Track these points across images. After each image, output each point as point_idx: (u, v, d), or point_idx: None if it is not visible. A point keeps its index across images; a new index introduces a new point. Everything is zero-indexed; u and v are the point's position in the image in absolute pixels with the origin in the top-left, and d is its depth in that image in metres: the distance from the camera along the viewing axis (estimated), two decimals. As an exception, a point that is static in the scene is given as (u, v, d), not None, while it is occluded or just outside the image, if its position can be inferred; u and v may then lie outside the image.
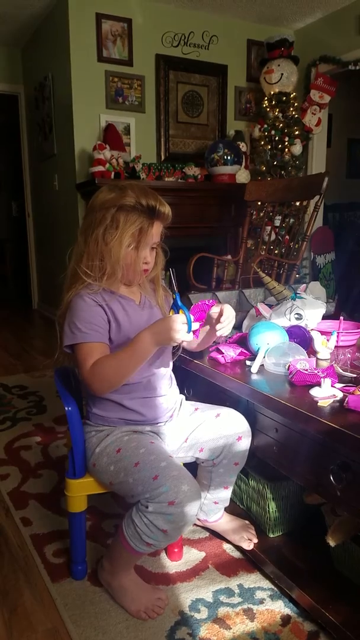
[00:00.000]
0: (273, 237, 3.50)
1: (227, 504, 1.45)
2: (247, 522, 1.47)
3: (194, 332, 1.18)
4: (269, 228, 3.50)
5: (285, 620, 1.21)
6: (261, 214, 3.45)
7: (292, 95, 3.82)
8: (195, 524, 1.51)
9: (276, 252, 3.33)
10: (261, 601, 1.27)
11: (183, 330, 1.09)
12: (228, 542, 1.47)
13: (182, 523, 1.10)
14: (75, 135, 3.68)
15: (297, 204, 3.00)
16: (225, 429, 1.31)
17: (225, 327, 1.24)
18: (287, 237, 3.24)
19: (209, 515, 1.45)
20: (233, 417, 1.32)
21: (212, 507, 1.43)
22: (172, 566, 1.40)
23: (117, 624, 1.20)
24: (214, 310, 1.25)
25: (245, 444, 1.31)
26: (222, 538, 1.49)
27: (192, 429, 1.34)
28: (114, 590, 1.26)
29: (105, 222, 1.20)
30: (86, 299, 1.22)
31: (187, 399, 1.46)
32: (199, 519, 1.47)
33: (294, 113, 3.81)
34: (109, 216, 1.20)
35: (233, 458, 1.33)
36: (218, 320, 1.23)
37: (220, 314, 1.23)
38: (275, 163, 3.77)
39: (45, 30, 4.03)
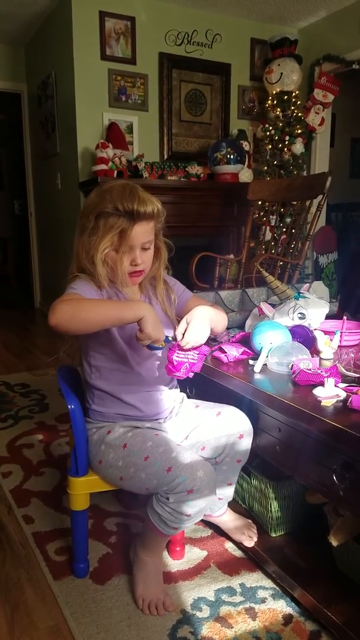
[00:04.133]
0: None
1: (230, 499, 1.46)
2: (250, 521, 1.47)
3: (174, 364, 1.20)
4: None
5: (287, 619, 1.21)
6: (262, 214, 3.45)
7: (294, 94, 3.81)
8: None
9: (276, 251, 3.32)
10: (263, 600, 1.27)
11: (158, 338, 1.13)
12: (230, 540, 1.47)
13: (204, 505, 1.16)
14: (78, 134, 3.67)
15: (300, 203, 2.99)
16: (226, 427, 1.31)
17: (188, 337, 1.20)
18: (288, 236, 3.23)
19: (213, 510, 1.46)
20: (234, 415, 1.32)
21: (216, 502, 1.44)
22: (174, 565, 1.40)
23: (119, 622, 1.20)
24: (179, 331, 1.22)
25: (247, 441, 1.31)
26: (224, 535, 1.49)
27: (193, 427, 1.34)
28: (137, 564, 1.29)
29: (88, 229, 1.23)
30: (85, 279, 1.26)
31: (188, 397, 1.46)
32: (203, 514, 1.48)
33: (296, 112, 3.80)
34: (89, 224, 1.23)
35: (235, 456, 1.33)
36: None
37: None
38: (275, 162, 3.76)
39: (49, 28, 4.03)
